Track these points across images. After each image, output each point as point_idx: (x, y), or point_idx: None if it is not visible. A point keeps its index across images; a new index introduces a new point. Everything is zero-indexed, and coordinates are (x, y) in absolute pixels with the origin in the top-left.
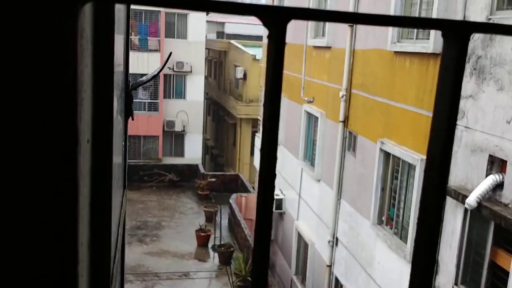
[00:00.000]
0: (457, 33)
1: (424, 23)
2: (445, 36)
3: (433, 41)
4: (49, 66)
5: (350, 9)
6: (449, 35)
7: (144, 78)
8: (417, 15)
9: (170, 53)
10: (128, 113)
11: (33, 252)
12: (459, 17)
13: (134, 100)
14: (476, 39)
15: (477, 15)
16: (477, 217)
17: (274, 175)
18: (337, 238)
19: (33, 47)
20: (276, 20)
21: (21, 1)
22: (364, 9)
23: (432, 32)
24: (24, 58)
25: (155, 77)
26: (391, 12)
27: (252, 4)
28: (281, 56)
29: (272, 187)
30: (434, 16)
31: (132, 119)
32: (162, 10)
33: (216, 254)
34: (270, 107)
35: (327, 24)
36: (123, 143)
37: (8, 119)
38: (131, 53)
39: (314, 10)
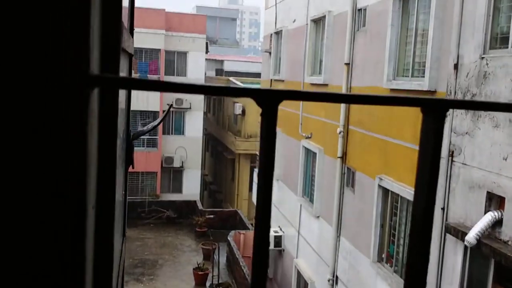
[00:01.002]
0: (435, 109)
1: (403, 101)
2: (424, 112)
3: (428, 79)
4: (60, 147)
5: (346, 49)
6: (427, 111)
7: (145, 128)
8: (411, 54)
9: (171, 105)
10: (128, 162)
11: None
12: (453, 56)
13: None
14: (471, 77)
15: (471, 54)
16: (477, 254)
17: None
18: (337, 276)
19: (46, 131)
20: (269, 101)
21: (37, 87)
22: (360, 49)
23: (427, 70)
24: (38, 141)
25: (155, 127)
26: (386, 51)
27: (247, 88)
28: (273, 133)
29: (268, 226)
30: (428, 54)
31: (133, 168)
32: (162, 48)
33: None
34: (263, 180)
35: (324, 61)
36: (123, 193)
37: (18, 193)
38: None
39: (303, 92)
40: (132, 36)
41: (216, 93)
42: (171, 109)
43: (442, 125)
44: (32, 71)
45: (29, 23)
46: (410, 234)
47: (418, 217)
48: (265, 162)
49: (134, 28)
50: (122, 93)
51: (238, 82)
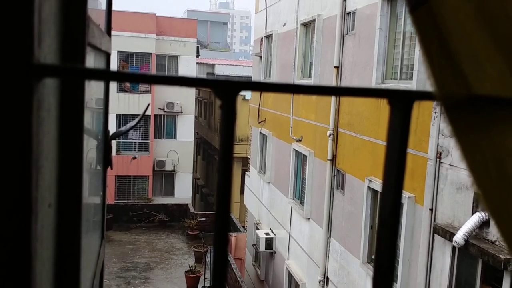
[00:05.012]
0: (401, 101)
1: (371, 93)
2: (391, 104)
3: (416, 81)
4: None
5: (335, 52)
6: (394, 103)
7: (123, 128)
8: (399, 57)
9: (148, 104)
10: (106, 163)
11: None
12: None
13: (125, 141)
14: None
15: None
16: (465, 255)
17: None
18: (327, 278)
19: None
20: (226, 92)
21: None
22: (349, 52)
23: (415, 72)
24: None
25: (134, 127)
26: (375, 54)
27: (205, 79)
28: (232, 125)
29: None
30: (416, 57)
31: (111, 169)
32: (153, 52)
33: None
34: (223, 173)
35: (314, 65)
36: (102, 193)
37: None
38: (122, 95)
39: (260, 82)
40: (110, 36)
41: (172, 83)
42: (163, 113)
43: (409, 117)
44: None
45: None
46: (378, 228)
47: (385, 212)
48: (224, 155)
49: (125, 32)
50: (97, 91)
51: None
